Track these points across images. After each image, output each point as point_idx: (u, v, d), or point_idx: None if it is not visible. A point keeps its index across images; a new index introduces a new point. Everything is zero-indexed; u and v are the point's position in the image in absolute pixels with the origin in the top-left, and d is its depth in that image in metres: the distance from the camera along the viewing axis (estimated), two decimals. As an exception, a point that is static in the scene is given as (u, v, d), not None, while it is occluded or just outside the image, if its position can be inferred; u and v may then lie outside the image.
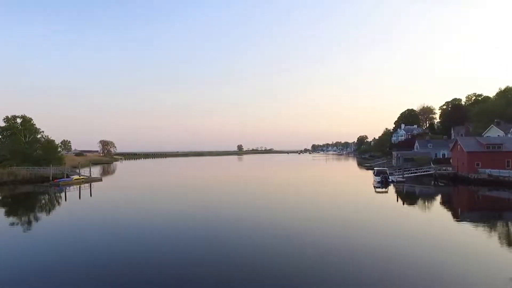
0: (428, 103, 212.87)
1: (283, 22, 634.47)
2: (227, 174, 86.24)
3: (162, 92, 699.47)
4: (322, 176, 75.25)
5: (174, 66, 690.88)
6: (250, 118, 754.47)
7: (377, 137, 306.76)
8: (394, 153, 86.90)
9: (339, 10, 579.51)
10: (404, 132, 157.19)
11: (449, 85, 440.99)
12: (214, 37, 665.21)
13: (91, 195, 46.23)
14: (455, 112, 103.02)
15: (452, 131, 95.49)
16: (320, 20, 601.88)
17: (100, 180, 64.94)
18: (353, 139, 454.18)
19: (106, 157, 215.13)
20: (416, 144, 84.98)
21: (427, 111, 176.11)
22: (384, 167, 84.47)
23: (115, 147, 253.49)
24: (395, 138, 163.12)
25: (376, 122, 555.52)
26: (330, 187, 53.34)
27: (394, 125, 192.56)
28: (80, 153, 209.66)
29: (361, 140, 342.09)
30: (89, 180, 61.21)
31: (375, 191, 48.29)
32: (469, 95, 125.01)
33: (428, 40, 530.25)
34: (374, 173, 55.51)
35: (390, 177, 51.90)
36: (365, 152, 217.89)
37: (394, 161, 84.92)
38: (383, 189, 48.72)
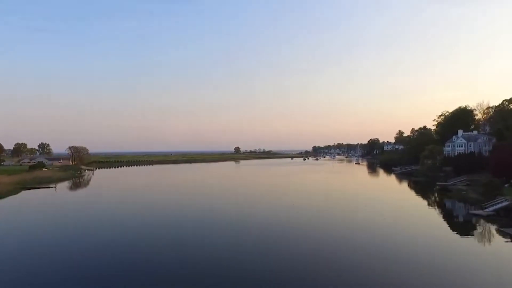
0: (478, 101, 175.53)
1: (285, 22, 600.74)
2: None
3: (155, 93, 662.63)
4: None
5: (169, 65, 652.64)
6: (247, 119, 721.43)
7: (391, 140, 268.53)
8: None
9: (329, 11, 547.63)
10: (464, 141, 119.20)
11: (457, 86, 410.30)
12: (215, 36, 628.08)
13: None
14: None
15: None
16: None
17: None
18: (356, 140, 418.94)
19: (73, 167, 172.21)
20: None
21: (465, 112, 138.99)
22: None
23: (88, 153, 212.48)
24: (450, 148, 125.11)
25: (381, 122, 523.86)
26: None
27: (435, 127, 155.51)
28: (40, 163, 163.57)
29: (373, 143, 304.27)
30: None
31: None
32: None
33: (431, 38, 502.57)
34: None
35: None
36: (391, 160, 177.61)
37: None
38: None
